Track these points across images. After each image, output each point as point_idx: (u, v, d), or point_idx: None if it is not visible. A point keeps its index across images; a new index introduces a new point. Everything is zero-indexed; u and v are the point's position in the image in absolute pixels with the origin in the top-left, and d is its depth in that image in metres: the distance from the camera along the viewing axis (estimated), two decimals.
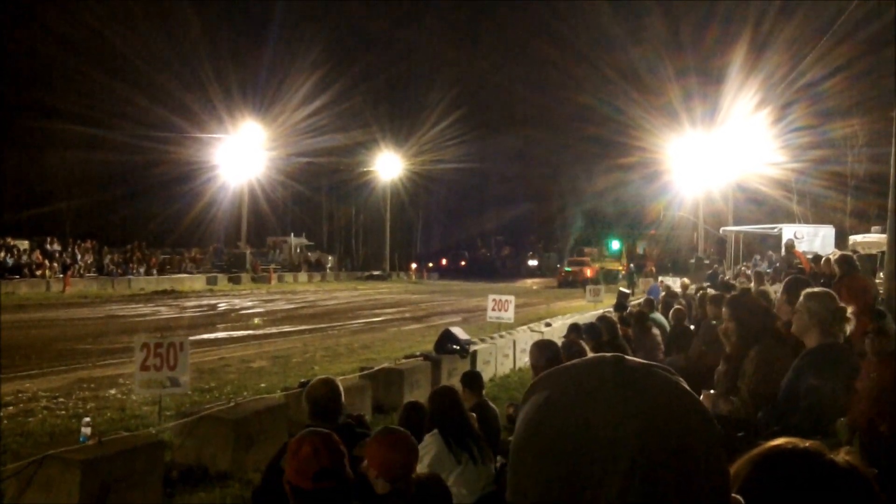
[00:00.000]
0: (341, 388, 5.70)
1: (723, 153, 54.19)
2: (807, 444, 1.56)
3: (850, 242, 31.94)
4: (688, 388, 0.96)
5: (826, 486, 1.49)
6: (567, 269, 68.16)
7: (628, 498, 0.86)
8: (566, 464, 0.89)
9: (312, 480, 3.29)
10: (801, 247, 25.18)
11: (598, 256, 75.55)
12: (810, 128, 50.33)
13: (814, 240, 32.30)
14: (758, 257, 38.06)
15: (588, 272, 64.11)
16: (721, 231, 50.25)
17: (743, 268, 33.96)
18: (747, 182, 53.26)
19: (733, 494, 0.97)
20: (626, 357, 0.98)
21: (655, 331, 12.67)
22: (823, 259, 15.51)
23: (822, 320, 4.97)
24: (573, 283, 60.83)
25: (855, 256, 11.98)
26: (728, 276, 28.98)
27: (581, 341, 9.07)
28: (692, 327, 13.53)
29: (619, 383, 0.93)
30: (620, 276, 64.08)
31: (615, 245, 79.27)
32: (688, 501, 0.88)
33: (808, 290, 5.30)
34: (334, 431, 3.90)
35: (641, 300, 19.30)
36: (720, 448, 0.93)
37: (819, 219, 46.98)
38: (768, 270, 24.32)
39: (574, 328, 12.92)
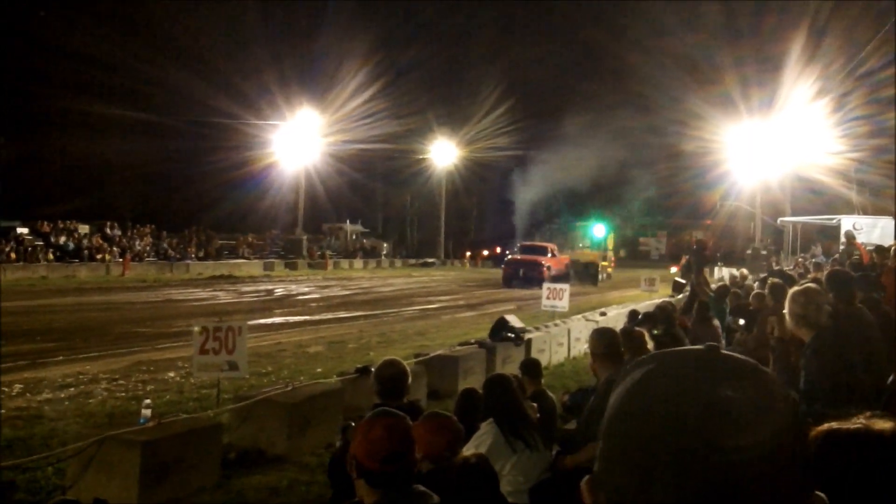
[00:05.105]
0: (408, 369, 5.99)
1: (781, 142, 53.38)
2: (856, 423, 1.53)
3: None
4: (779, 381, 0.96)
5: (880, 459, 1.46)
6: (516, 259, 46.68)
7: (716, 480, 0.86)
8: (657, 441, 0.90)
9: (380, 462, 3.32)
10: (860, 238, 24.76)
11: (574, 244, 53.15)
12: (870, 117, 49.42)
13: (872, 231, 31.75)
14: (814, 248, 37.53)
15: (548, 265, 44.53)
16: (779, 221, 49.54)
17: (801, 259, 33.49)
18: (806, 171, 52.46)
19: (817, 493, 0.96)
20: (722, 349, 0.98)
21: (716, 322, 12.51)
22: (893, 249, 15.31)
23: (802, 316, 5.38)
24: (528, 280, 41.52)
25: None
26: (787, 266, 28.60)
27: (640, 329, 9.00)
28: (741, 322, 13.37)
29: (716, 370, 0.94)
30: (604, 276, 49.49)
31: (598, 231, 54.04)
32: (772, 484, 0.87)
33: (791, 290, 5.71)
34: (400, 410, 3.98)
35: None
36: (806, 439, 0.92)
37: (879, 209, 46.19)
38: (825, 260, 23.94)
39: (633, 315, 12.85)
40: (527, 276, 42.62)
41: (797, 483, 0.89)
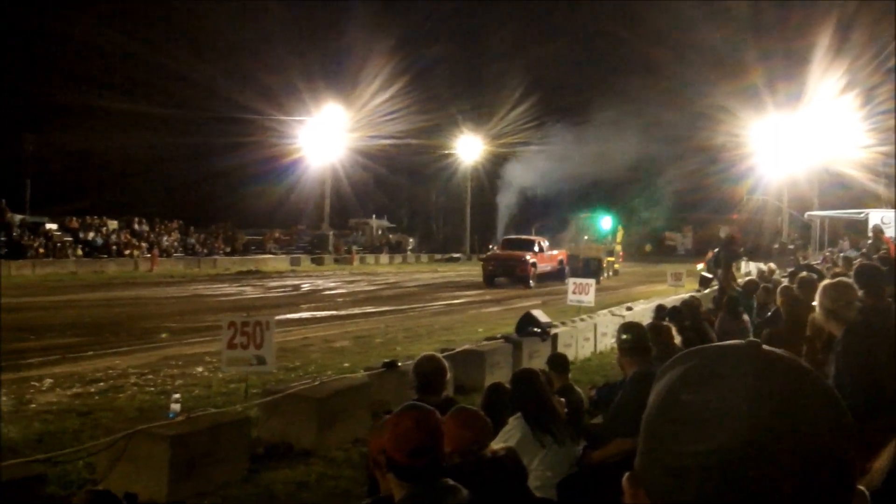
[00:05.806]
0: (447, 365, 6.08)
1: (808, 136, 53.01)
2: None
3: None
4: (820, 377, 0.97)
5: None
6: (497, 256, 41.45)
7: (749, 474, 0.87)
8: (696, 437, 0.91)
9: (408, 456, 3.32)
10: (888, 232, 24.60)
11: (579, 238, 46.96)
12: None
13: None
14: (843, 242, 37.24)
15: (534, 261, 39.68)
16: (806, 216, 49.17)
17: (828, 253, 33.26)
18: (834, 165, 52.02)
19: (859, 487, 0.96)
20: (763, 344, 0.99)
21: (746, 317, 12.41)
22: None
23: (833, 310, 5.33)
24: (518, 278, 38.74)
25: None
26: (814, 261, 28.41)
27: (666, 323, 8.98)
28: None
29: (756, 366, 0.95)
30: (609, 273, 45.28)
31: (603, 224, 48.25)
32: (809, 486, 0.88)
33: (822, 284, 5.69)
34: (437, 405, 3.98)
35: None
36: (850, 439, 0.93)
37: None
38: (856, 254, 23.77)
39: (659, 310, 12.79)
40: (508, 273, 39.26)
41: (835, 477, 0.89)
